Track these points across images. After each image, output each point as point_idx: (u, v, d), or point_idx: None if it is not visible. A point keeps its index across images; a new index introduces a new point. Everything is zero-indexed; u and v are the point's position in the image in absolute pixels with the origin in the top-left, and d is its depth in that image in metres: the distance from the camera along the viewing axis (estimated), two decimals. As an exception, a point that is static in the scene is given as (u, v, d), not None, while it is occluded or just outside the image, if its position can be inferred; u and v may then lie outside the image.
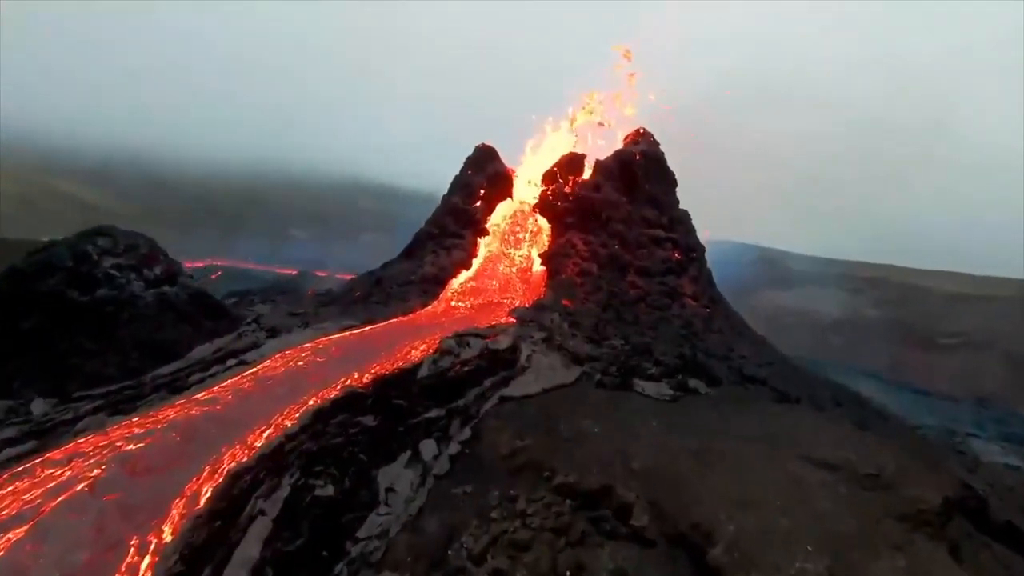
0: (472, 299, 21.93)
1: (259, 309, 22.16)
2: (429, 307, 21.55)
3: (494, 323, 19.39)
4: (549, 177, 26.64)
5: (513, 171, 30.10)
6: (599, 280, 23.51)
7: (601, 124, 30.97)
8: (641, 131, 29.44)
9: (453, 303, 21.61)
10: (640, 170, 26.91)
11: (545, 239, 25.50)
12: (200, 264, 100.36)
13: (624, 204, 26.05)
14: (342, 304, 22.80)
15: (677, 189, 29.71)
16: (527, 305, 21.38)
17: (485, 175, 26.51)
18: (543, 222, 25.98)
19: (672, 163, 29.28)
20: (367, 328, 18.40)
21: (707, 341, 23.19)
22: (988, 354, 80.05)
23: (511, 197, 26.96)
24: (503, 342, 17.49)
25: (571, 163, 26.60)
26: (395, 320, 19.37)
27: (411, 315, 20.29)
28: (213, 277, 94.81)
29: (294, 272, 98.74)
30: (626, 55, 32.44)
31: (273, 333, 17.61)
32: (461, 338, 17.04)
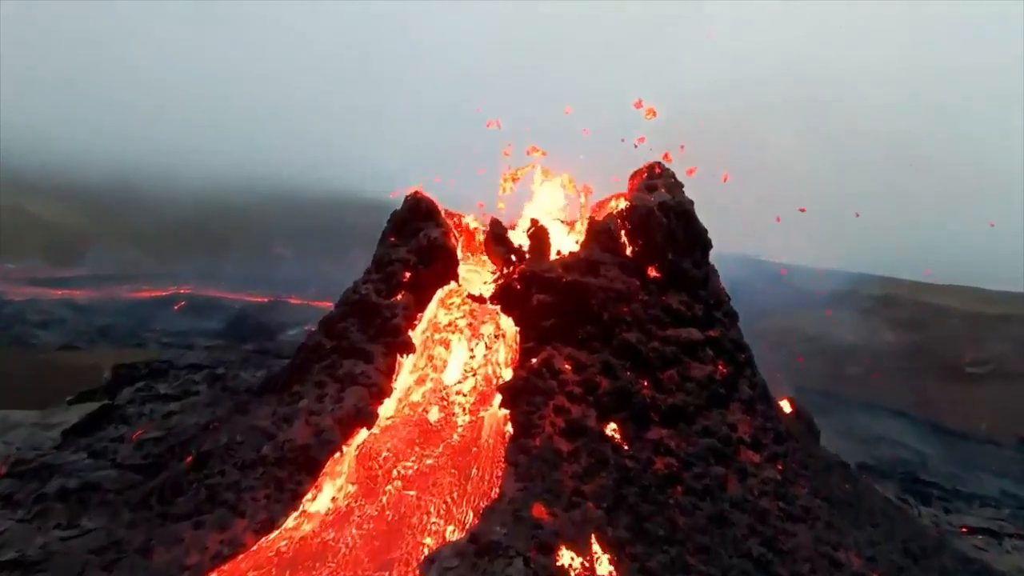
0: (361, 516, 11.05)
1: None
2: (273, 537, 10.65)
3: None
4: (511, 249, 15.81)
5: (467, 229, 19.28)
6: (601, 445, 12.67)
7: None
8: (657, 168, 18.52)
9: (321, 534, 10.68)
10: (660, 234, 16.09)
11: (508, 358, 14.68)
12: (164, 293, 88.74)
13: (637, 292, 15.20)
14: (135, 508, 11.92)
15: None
16: (464, 533, 10.53)
17: (415, 246, 15.66)
18: (507, 325, 15.14)
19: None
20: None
21: (796, 553, 12.39)
22: (1021, 384, 69.58)
23: (455, 281, 16.01)
24: None
25: (535, 233, 15.69)
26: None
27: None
28: (176, 308, 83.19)
29: (266, 300, 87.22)
30: (649, 113, 21.15)
31: None
32: None
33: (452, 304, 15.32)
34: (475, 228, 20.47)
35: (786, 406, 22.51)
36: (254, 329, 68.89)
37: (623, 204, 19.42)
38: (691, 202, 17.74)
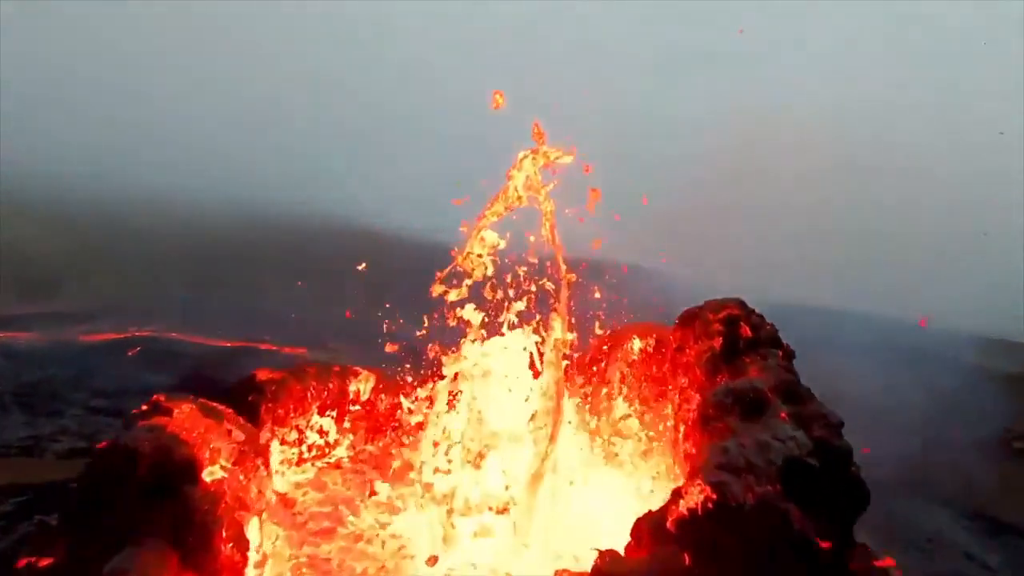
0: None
1: None
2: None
3: None
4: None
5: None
6: None
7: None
8: (737, 313, 7.77)
9: None
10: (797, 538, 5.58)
11: None
12: (120, 336, 77.88)
13: None
14: None
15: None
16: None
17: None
18: None
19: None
20: None
21: None
22: (1074, 463, 57.61)
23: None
24: None
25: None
26: None
27: None
28: (130, 354, 72.11)
29: (231, 344, 76.17)
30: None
31: None
32: None
33: None
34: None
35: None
36: (208, 385, 58.15)
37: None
38: (840, 423, 7.03)
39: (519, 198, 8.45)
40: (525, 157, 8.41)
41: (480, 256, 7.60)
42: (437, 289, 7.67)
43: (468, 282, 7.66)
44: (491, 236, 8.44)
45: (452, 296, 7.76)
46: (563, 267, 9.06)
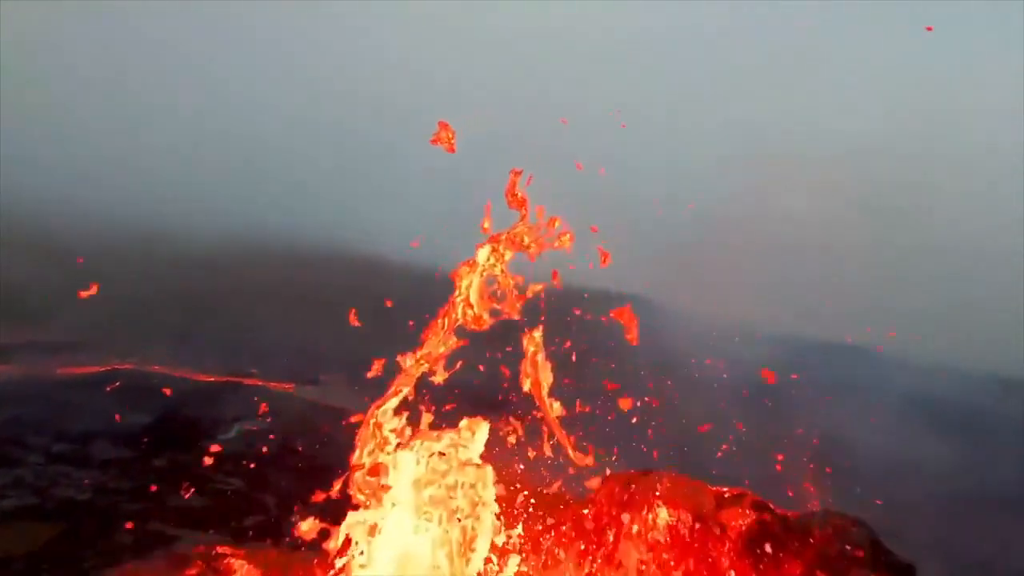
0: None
1: None
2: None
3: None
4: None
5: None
6: None
7: None
8: None
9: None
10: None
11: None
12: (101, 369, 73.67)
13: None
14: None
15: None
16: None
17: None
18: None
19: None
20: None
21: None
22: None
23: None
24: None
25: None
26: None
27: None
28: (108, 389, 67.76)
29: (215, 379, 71.85)
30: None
31: None
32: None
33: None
34: None
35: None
36: (184, 426, 53.96)
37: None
38: None
39: (476, 319, 5.36)
40: (483, 246, 5.30)
41: (392, 433, 4.56)
42: (359, 455, 4.63)
43: (382, 482, 4.58)
44: (415, 369, 5.39)
45: (364, 471, 4.73)
46: (571, 451, 5.93)
